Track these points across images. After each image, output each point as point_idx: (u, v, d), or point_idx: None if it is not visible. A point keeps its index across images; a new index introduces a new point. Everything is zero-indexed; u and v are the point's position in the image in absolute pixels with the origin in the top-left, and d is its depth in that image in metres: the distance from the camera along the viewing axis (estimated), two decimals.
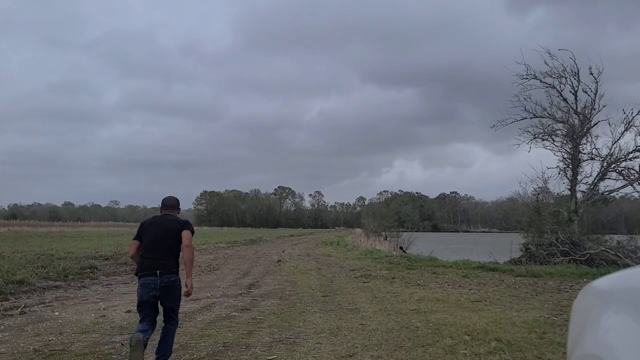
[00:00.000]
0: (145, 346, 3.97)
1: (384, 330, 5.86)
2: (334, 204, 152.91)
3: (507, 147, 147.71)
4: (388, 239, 34.78)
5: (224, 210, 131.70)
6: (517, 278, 11.57)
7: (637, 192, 16.19)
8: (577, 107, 16.86)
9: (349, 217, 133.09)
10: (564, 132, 17.35)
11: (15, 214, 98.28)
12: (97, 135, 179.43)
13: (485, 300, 8.26)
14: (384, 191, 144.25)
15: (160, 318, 4.43)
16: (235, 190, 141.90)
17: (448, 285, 10.39)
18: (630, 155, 15.75)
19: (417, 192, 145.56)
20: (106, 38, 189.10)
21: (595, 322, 1.25)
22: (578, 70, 16.54)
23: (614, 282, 1.35)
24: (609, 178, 16.47)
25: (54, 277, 11.07)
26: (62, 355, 4.85)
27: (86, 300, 8.55)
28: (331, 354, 4.85)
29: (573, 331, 1.42)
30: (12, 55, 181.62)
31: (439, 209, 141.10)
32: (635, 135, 15.53)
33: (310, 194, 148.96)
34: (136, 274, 4.37)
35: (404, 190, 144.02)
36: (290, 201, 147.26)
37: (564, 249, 14.96)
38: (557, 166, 17.30)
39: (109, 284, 10.86)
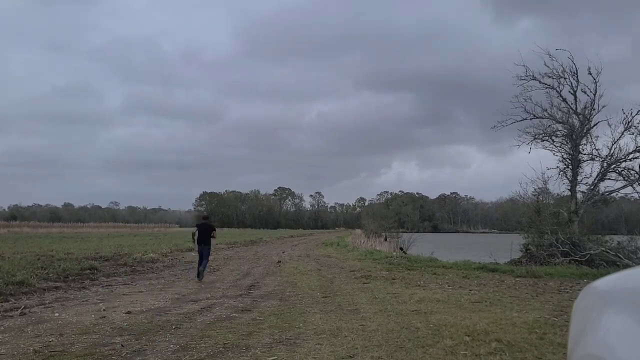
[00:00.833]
0: (204, 270, 11.91)
1: (384, 331, 5.86)
2: (333, 205, 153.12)
3: (504, 148, 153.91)
4: (388, 239, 34.77)
5: (224, 211, 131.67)
6: (518, 279, 11.57)
7: (637, 192, 16.21)
8: (576, 108, 16.87)
9: (349, 218, 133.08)
10: (564, 133, 17.36)
11: (15, 215, 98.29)
12: (98, 137, 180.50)
13: (485, 301, 8.26)
14: (384, 192, 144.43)
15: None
16: (235, 191, 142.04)
17: (448, 286, 10.38)
18: (630, 156, 15.77)
19: (417, 193, 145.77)
20: (110, 45, 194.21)
21: (595, 323, 1.25)
22: (577, 71, 16.57)
23: (615, 282, 1.35)
24: (609, 178, 16.48)
25: (54, 278, 11.07)
26: (62, 357, 4.85)
27: (86, 301, 8.55)
28: (331, 355, 4.84)
29: (573, 332, 1.42)
30: (19, 60, 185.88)
31: (439, 209, 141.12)
32: (635, 136, 15.56)
33: (310, 195, 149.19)
34: (196, 242, 12.26)
35: (404, 191, 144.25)
36: (290, 202, 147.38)
37: (564, 249, 14.95)
38: (557, 167, 17.33)
39: (109, 285, 10.85)
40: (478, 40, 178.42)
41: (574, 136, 16.85)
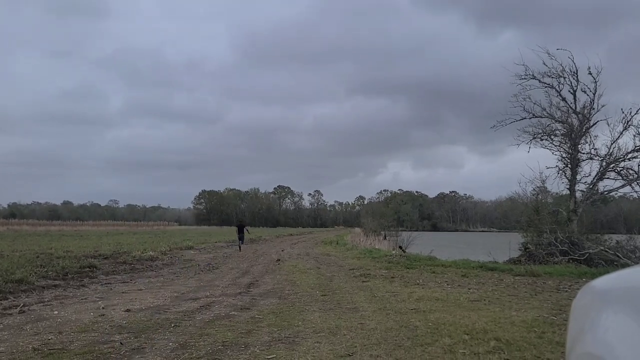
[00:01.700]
0: (241, 244, 24.49)
1: (383, 330, 5.87)
2: (333, 203, 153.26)
3: (495, 149, 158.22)
4: (387, 238, 34.76)
5: (224, 209, 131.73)
6: (516, 277, 11.58)
7: (636, 191, 16.21)
8: (576, 107, 16.87)
9: (348, 216, 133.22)
10: (563, 132, 17.37)
11: (14, 212, 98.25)
12: (99, 137, 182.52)
13: (484, 300, 8.27)
14: (383, 190, 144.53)
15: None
16: (234, 189, 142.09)
17: (447, 284, 10.39)
18: (629, 155, 15.77)
19: (416, 192, 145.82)
20: (117, 52, 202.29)
21: (594, 322, 1.25)
22: (577, 70, 16.56)
23: (613, 281, 1.35)
24: (607, 178, 16.48)
25: (53, 276, 11.07)
26: (61, 354, 4.85)
27: (85, 299, 8.55)
28: (330, 353, 4.85)
29: (572, 330, 1.42)
30: (28, 65, 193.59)
31: (438, 208, 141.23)
32: (634, 135, 15.56)
33: (310, 193, 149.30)
34: (237, 233, 24.91)
35: (404, 190, 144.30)
36: (289, 200, 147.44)
37: (563, 248, 14.97)
38: (556, 166, 17.32)
39: (108, 283, 10.85)
40: (463, 51, 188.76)
41: (573, 135, 16.85)
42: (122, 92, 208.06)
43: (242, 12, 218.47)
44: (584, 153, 16.76)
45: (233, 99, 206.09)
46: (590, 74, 16.15)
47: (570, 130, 16.95)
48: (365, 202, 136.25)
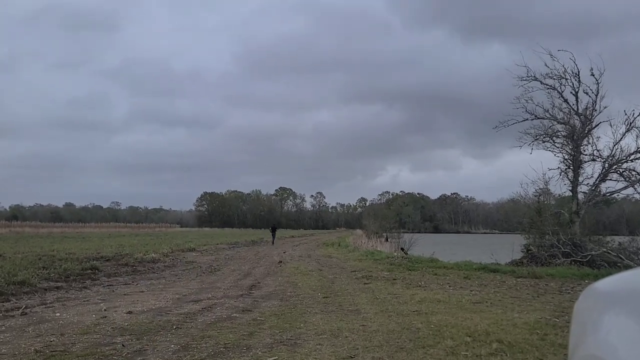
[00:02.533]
0: (274, 241, 34.57)
1: (385, 332, 5.86)
2: (334, 205, 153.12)
3: (490, 152, 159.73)
4: (389, 240, 34.76)
5: (225, 211, 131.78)
6: (519, 279, 11.55)
7: (639, 193, 16.18)
8: (578, 108, 16.86)
9: (350, 218, 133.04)
10: (565, 134, 17.34)
11: (16, 214, 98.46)
12: (102, 141, 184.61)
13: (486, 302, 8.25)
14: (385, 192, 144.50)
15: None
16: (236, 191, 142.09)
17: (449, 286, 10.37)
18: (632, 157, 15.75)
19: (418, 193, 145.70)
20: (124, 63, 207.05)
21: (596, 324, 1.25)
22: (579, 71, 16.55)
23: (616, 283, 1.35)
24: (610, 179, 16.46)
25: (55, 278, 11.08)
26: (63, 356, 4.85)
27: (87, 301, 8.56)
28: (332, 356, 4.84)
29: (574, 332, 1.42)
30: (38, 75, 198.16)
31: (440, 210, 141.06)
32: (637, 137, 15.54)
33: (312, 195, 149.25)
34: (272, 233, 35.55)
35: (405, 191, 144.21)
36: (291, 202, 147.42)
37: (566, 250, 14.93)
38: (558, 167, 17.31)
39: (110, 285, 10.87)
40: (453, 60, 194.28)
41: (575, 137, 16.82)
42: (127, 100, 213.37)
43: (244, 26, 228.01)
44: (586, 154, 16.74)
45: (234, 106, 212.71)
46: (593, 75, 16.14)
47: (573, 131, 16.92)
48: (367, 204, 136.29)
